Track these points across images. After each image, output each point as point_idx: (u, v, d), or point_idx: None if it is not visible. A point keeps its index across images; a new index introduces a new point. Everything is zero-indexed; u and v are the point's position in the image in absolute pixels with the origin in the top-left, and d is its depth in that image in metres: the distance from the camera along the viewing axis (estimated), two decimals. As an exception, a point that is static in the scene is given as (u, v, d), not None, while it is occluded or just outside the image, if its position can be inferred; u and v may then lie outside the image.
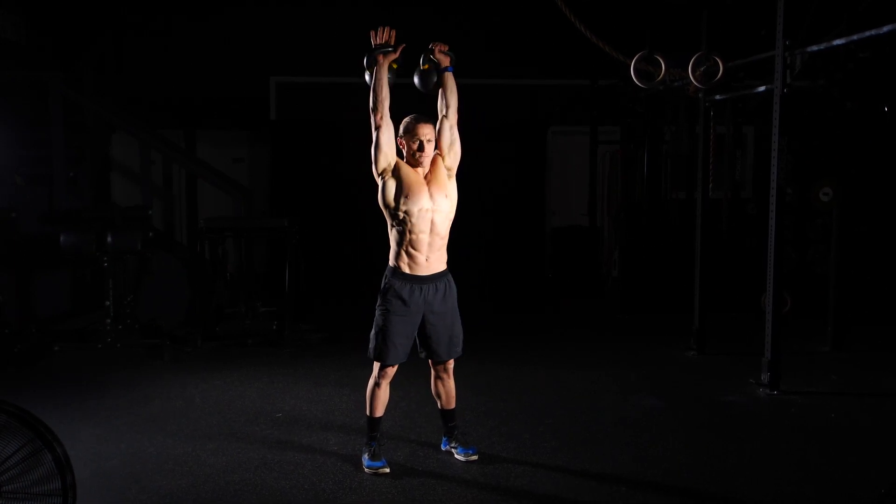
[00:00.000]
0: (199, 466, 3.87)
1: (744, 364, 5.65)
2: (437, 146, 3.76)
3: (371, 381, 3.83)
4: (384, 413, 3.88)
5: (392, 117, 3.67)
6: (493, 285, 8.90)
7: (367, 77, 3.71)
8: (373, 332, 3.76)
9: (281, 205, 8.74)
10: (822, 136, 7.27)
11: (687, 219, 7.20)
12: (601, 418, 4.61)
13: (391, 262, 3.75)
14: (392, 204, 3.65)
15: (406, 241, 3.67)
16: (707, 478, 3.73)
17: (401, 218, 3.65)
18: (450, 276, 3.82)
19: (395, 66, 3.68)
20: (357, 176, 5.09)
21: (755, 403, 4.92)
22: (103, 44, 9.07)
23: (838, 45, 5.10)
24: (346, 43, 5.47)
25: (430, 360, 3.91)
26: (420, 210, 3.64)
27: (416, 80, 3.81)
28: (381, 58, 3.62)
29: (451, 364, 3.92)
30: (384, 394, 3.84)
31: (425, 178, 3.70)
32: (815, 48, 5.19)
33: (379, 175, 3.68)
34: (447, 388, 3.96)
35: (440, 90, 3.78)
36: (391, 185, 3.65)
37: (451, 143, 3.77)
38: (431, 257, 3.71)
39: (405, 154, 3.73)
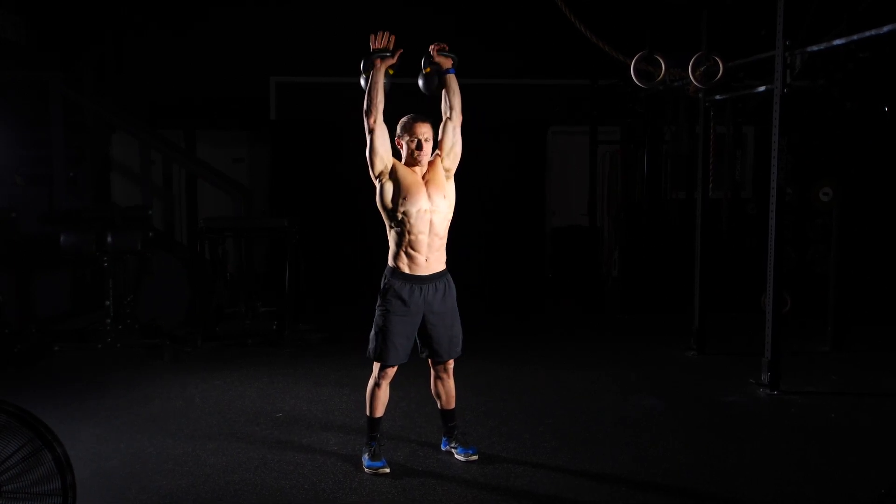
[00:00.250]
0: (199, 466, 3.87)
1: (744, 364, 5.65)
2: (439, 147, 3.77)
3: (371, 382, 3.83)
4: (384, 413, 3.88)
5: (392, 117, 3.67)
6: (493, 285, 8.91)
7: (362, 81, 3.72)
8: (373, 332, 3.77)
9: (281, 205, 8.75)
10: (822, 136, 7.27)
11: (687, 219, 7.20)
12: (601, 418, 4.61)
13: (390, 263, 3.75)
14: (390, 206, 3.65)
15: (405, 241, 3.67)
16: (707, 478, 3.73)
17: (399, 219, 3.65)
18: (449, 276, 3.83)
19: (391, 71, 3.70)
20: (357, 176, 5.05)
21: (755, 403, 4.92)
22: (103, 44, 9.07)
23: (838, 45, 5.10)
24: (346, 43, 5.46)
25: (430, 360, 3.91)
26: (418, 211, 3.64)
27: (419, 83, 3.82)
28: (378, 62, 3.64)
29: (451, 364, 3.92)
30: (384, 394, 3.84)
31: (423, 178, 3.71)
32: (815, 48, 5.19)
33: (376, 178, 3.68)
34: (447, 388, 3.96)
35: (443, 92, 3.79)
36: (389, 187, 3.66)
37: (453, 145, 3.78)
38: (431, 257, 3.71)
39: (403, 154, 3.73)
